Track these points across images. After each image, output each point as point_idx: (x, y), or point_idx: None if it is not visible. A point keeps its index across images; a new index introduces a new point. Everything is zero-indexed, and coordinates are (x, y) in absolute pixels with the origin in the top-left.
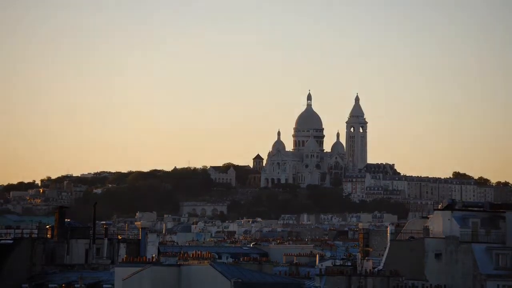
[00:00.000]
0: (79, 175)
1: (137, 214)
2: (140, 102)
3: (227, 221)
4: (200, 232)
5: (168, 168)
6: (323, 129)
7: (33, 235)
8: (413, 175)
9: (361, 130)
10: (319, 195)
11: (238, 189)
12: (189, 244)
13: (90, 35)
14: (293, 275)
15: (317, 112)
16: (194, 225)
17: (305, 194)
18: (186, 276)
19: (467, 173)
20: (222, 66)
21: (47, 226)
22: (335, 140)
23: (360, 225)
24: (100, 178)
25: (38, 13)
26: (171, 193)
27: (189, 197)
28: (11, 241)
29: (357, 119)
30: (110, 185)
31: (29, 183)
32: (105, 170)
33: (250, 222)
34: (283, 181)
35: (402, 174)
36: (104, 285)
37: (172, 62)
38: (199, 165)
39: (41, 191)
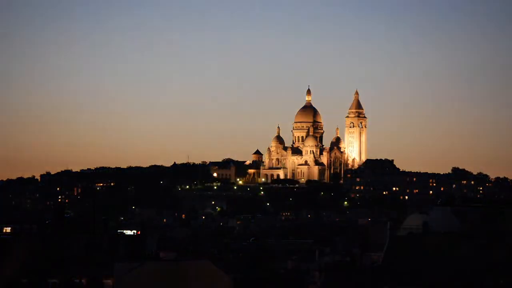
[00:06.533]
0: (79, 171)
1: (136, 209)
2: (139, 97)
3: (226, 217)
4: (199, 227)
5: (168, 163)
6: (322, 124)
7: (32, 230)
8: (413, 171)
9: (360, 126)
10: (319, 190)
11: (238, 185)
12: (188, 239)
13: (90, 33)
14: (293, 270)
15: (317, 107)
16: (193, 221)
17: (304, 189)
18: (186, 272)
19: (466, 169)
20: (222, 61)
21: (47, 222)
22: (334, 135)
23: (360, 220)
24: (99, 174)
25: (41, 12)
26: (171, 189)
27: (189, 193)
28: (10, 236)
29: (356, 114)
30: (109, 181)
31: (28, 178)
32: (104, 165)
33: (250, 217)
34: (282, 177)
35: (401, 170)
36: (103, 280)
37: (171, 59)
38: (198, 161)
39: (41, 186)
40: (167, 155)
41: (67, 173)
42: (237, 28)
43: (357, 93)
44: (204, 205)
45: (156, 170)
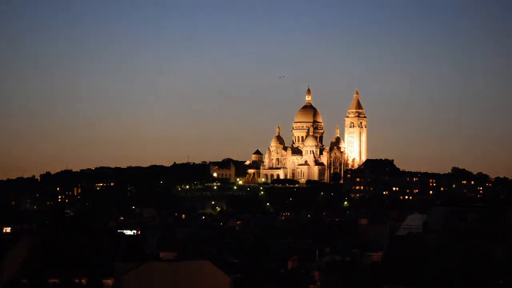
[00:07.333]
0: (79, 171)
1: (136, 209)
2: (139, 97)
3: (226, 217)
4: (199, 227)
5: (168, 163)
6: (322, 124)
7: (32, 230)
8: (412, 171)
9: (360, 126)
10: (319, 190)
11: (238, 185)
12: (188, 239)
13: (90, 35)
14: (293, 270)
15: (317, 107)
16: (193, 221)
17: (304, 189)
18: (186, 272)
19: (466, 169)
20: (222, 61)
21: (47, 221)
22: (334, 135)
23: (360, 220)
24: (99, 174)
25: (43, 11)
26: (171, 189)
27: (189, 193)
28: (10, 236)
29: (356, 114)
30: (109, 181)
31: (28, 178)
32: (104, 165)
33: (250, 217)
34: (282, 177)
35: (401, 170)
36: (103, 280)
37: (172, 60)
38: (198, 161)
39: (41, 186)
40: (167, 155)
41: (67, 173)
42: (238, 28)
43: (357, 93)
44: (204, 205)
45: (156, 170)
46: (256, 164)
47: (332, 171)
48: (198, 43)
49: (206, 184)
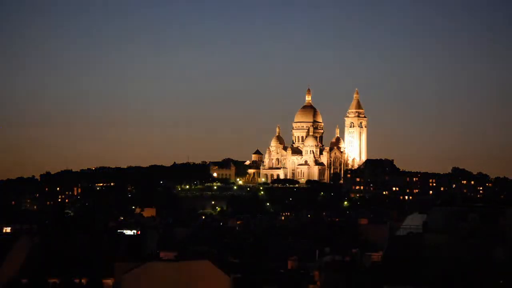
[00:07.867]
0: (79, 171)
1: (136, 209)
2: (139, 97)
3: (226, 217)
4: (199, 227)
5: (168, 163)
6: (322, 124)
7: (32, 230)
8: (412, 171)
9: (360, 126)
10: (319, 190)
11: (238, 185)
12: (188, 239)
13: (89, 34)
14: (293, 270)
15: (317, 107)
16: (193, 221)
17: (304, 189)
18: (186, 272)
19: (466, 169)
20: (222, 61)
21: (47, 222)
22: (334, 135)
23: (360, 220)
24: (99, 174)
25: (38, 9)
26: (171, 189)
27: (189, 193)
28: (10, 236)
29: (356, 114)
30: (109, 181)
31: (28, 178)
32: (104, 165)
33: (250, 217)
34: (282, 177)
35: (401, 170)
36: (103, 280)
37: (172, 60)
38: (198, 161)
39: (41, 186)
40: (167, 155)
41: (67, 173)
42: (237, 28)
43: (357, 93)
44: (204, 205)
45: (156, 170)
46: (256, 164)
47: (332, 171)
48: (198, 43)
49: (206, 184)
